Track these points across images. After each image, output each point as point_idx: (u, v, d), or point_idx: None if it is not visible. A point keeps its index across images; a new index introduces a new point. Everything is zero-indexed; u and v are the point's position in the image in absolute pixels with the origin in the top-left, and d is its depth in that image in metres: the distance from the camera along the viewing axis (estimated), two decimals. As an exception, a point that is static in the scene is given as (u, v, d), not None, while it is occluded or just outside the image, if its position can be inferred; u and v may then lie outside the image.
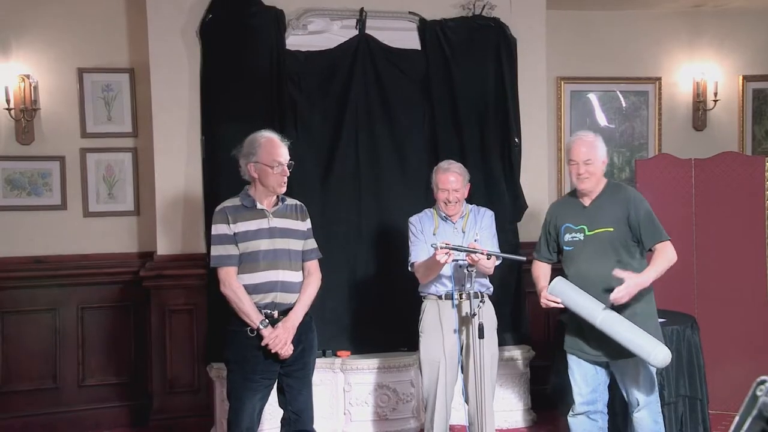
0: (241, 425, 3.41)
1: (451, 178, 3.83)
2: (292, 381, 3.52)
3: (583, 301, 3.53)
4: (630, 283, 3.44)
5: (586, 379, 3.70)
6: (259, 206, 3.47)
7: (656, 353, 3.39)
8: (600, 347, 3.59)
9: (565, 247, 3.69)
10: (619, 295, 3.43)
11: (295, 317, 3.44)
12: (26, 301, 5.02)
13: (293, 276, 3.49)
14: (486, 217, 3.95)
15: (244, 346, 3.41)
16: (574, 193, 3.76)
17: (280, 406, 3.59)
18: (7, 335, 5.00)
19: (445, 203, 3.84)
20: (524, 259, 4.01)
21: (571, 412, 3.76)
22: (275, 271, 3.43)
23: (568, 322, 3.75)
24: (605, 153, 3.69)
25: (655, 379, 3.66)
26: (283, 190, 3.50)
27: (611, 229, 3.56)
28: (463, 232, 3.85)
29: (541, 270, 3.84)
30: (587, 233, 3.61)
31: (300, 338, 3.48)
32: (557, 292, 3.60)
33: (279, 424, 3.64)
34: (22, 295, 5.01)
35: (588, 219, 3.63)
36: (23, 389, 5.01)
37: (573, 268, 3.66)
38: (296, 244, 3.53)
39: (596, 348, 3.60)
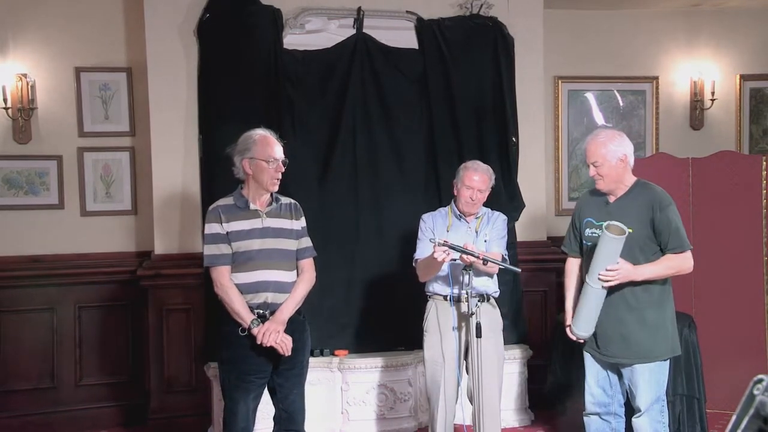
0: (236, 425, 3.41)
1: (477, 177, 3.83)
2: (283, 380, 3.52)
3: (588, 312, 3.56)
4: (623, 270, 3.39)
5: (597, 380, 3.67)
6: (252, 207, 3.47)
7: (578, 329, 3.54)
8: (608, 349, 3.56)
9: (584, 242, 3.62)
10: (607, 280, 3.40)
11: (284, 312, 3.43)
12: (23, 300, 5.02)
13: (286, 276, 3.49)
14: (499, 220, 3.95)
15: (237, 345, 3.41)
16: None
17: (273, 403, 3.59)
18: (4, 335, 5.00)
19: (466, 201, 3.83)
20: (519, 270, 4.04)
21: (584, 411, 3.75)
22: (268, 271, 3.43)
23: None
24: (622, 151, 3.51)
25: (663, 388, 3.58)
26: (276, 188, 3.50)
27: (631, 230, 3.43)
28: (476, 233, 3.86)
29: (570, 276, 3.75)
30: None
31: (292, 337, 3.48)
32: (578, 329, 3.60)
33: (272, 422, 3.64)
34: (20, 295, 5.01)
35: (609, 217, 3.49)
36: (21, 388, 5.00)
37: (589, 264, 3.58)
38: (289, 244, 3.52)
39: (605, 350, 3.58)
